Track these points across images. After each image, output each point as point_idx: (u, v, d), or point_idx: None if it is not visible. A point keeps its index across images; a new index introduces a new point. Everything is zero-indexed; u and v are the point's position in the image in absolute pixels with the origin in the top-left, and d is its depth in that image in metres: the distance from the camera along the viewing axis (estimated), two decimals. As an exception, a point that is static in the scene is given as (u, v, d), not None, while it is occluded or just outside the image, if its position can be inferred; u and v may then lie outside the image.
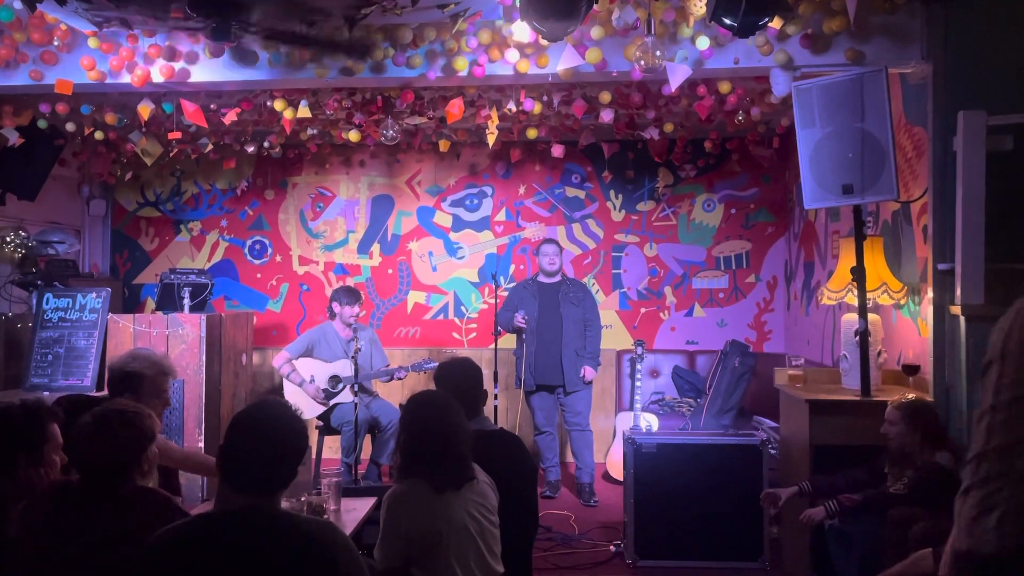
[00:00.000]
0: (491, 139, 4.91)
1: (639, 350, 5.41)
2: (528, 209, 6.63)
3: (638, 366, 5.42)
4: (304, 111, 4.57)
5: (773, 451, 4.40)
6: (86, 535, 2.09)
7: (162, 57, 4.03)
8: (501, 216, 6.64)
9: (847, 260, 3.82)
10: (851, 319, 3.77)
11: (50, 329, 5.19)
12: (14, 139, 4.82)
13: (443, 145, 5.77)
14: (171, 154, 5.85)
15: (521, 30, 3.79)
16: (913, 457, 3.17)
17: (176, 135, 4.92)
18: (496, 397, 5.38)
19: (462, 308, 6.64)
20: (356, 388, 4.96)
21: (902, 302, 3.91)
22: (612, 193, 6.56)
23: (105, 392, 3.29)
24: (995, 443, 1.49)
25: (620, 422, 5.70)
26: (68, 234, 6.09)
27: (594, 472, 5.42)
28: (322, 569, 1.81)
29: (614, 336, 6.39)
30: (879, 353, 3.83)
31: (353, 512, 3.12)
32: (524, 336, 5.36)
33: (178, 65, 4.05)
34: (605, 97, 4.54)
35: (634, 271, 6.55)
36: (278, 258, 6.76)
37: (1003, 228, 3.38)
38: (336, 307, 5.42)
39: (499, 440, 2.99)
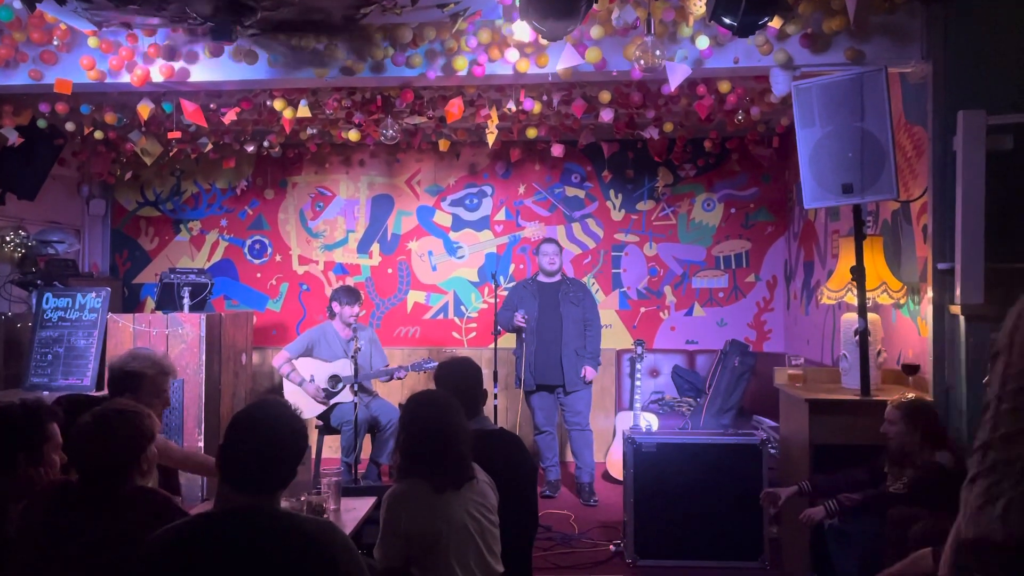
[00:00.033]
0: (491, 139, 4.91)
1: (639, 350, 5.41)
2: (528, 208, 6.63)
3: (638, 365, 5.43)
4: (304, 110, 4.56)
5: (773, 451, 4.40)
6: (86, 535, 2.09)
7: (162, 57, 4.03)
8: (501, 216, 6.64)
9: (847, 259, 3.82)
10: (851, 318, 3.77)
11: (50, 329, 5.19)
12: (14, 139, 4.82)
13: (443, 145, 5.77)
14: (171, 154, 5.85)
15: (521, 29, 3.79)
16: (913, 457, 3.17)
17: (176, 134, 4.92)
18: (496, 397, 5.38)
19: (462, 308, 6.64)
20: (356, 388, 4.96)
21: (902, 302, 3.91)
22: (612, 192, 6.56)
23: (105, 392, 3.29)
24: (1001, 432, 1.50)
25: (620, 421, 5.71)
26: (68, 234, 6.08)
27: (594, 472, 5.42)
28: (322, 569, 1.81)
29: (614, 336, 6.39)
30: (879, 353, 3.83)
31: (353, 512, 3.12)
32: (524, 336, 5.36)
33: (178, 64, 4.05)
34: (605, 97, 4.54)
35: (634, 270, 6.55)
36: (278, 258, 6.76)
37: (1003, 228, 3.38)
38: (336, 307, 5.42)
39: (499, 440, 2.99)
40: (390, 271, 6.69)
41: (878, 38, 3.75)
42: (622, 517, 4.29)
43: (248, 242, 6.78)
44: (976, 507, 1.55)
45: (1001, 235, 3.37)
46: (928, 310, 3.63)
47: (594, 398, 5.59)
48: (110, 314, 5.12)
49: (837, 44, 3.77)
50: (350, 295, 5.42)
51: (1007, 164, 3.39)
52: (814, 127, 3.64)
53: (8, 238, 5.51)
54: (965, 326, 3.42)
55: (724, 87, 4.29)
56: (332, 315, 5.47)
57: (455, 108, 4.42)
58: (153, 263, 6.79)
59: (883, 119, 3.45)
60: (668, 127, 5.25)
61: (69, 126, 5.04)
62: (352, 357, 4.94)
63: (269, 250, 6.77)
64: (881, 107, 3.45)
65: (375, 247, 6.71)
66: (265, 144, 5.88)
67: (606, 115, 4.77)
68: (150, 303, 6.65)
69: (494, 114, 4.77)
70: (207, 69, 4.08)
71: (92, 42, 4.03)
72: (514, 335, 5.56)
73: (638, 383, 5.40)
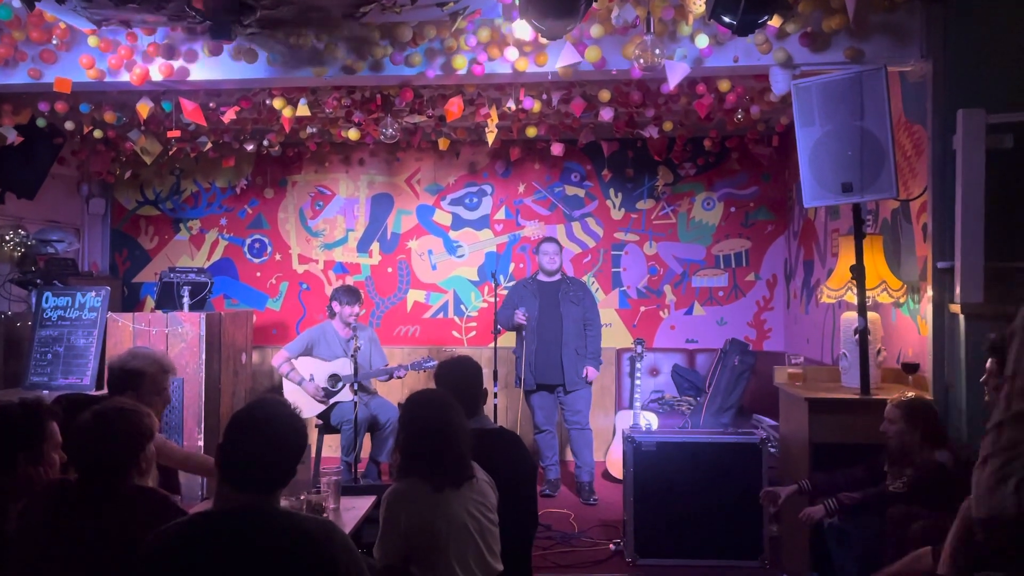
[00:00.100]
0: (490, 137, 4.91)
1: (639, 349, 5.41)
2: (528, 208, 6.63)
3: (638, 365, 5.43)
4: (303, 109, 4.56)
5: (772, 449, 4.40)
6: (85, 533, 2.09)
7: (161, 55, 4.03)
8: (501, 215, 6.64)
9: (847, 258, 3.82)
10: (851, 317, 3.77)
11: (49, 328, 5.19)
12: (13, 137, 4.82)
13: (442, 143, 5.77)
14: (170, 152, 5.85)
15: (522, 28, 3.78)
16: (912, 455, 3.17)
17: (175, 133, 4.91)
18: (496, 396, 5.38)
19: (462, 307, 6.64)
20: (355, 387, 4.96)
21: (901, 300, 3.91)
22: (612, 191, 6.56)
23: (104, 391, 3.29)
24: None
25: (620, 420, 5.71)
26: (67, 233, 6.08)
27: (594, 471, 5.42)
28: (321, 568, 1.81)
29: (614, 335, 6.38)
30: (878, 351, 3.83)
31: (352, 511, 3.12)
32: (524, 334, 5.36)
33: (177, 63, 4.05)
34: (604, 95, 4.53)
35: (634, 270, 6.54)
36: (277, 257, 6.76)
37: (1002, 226, 3.38)
38: (336, 306, 5.41)
39: (498, 438, 2.99)
40: (390, 270, 6.69)
41: (878, 37, 3.75)
42: (622, 516, 4.29)
43: (248, 241, 6.78)
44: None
45: (1001, 234, 3.37)
46: (928, 309, 3.63)
47: (594, 397, 5.59)
48: (110, 313, 5.12)
49: (837, 43, 3.77)
50: (350, 295, 5.42)
51: (1007, 163, 3.39)
52: (814, 126, 3.64)
53: (8, 237, 5.51)
54: (965, 325, 3.42)
55: (724, 86, 4.29)
56: (332, 314, 5.47)
57: (455, 107, 4.41)
58: (153, 262, 6.79)
59: (883, 118, 3.45)
60: (668, 126, 5.24)
61: (68, 125, 5.04)
62: (352, 356, 4.94)
63: (269, 249, 6.76)
64: (881, 106, 3.45)
65: (375, 246, 6.71)
66: (265, 143, 5.88)
67: (606, 114, 4.77)
68: (150, 302, 6.65)
69: (494, 113, 4.77)
70: (206, 68, 4.08)
71: (91, 41, 4.02)
72: (514, 334, 5.56)
73: (638, 382, 5.40)
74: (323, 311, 6.02)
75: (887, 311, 4.19)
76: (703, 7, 3.63)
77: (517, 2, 3.44)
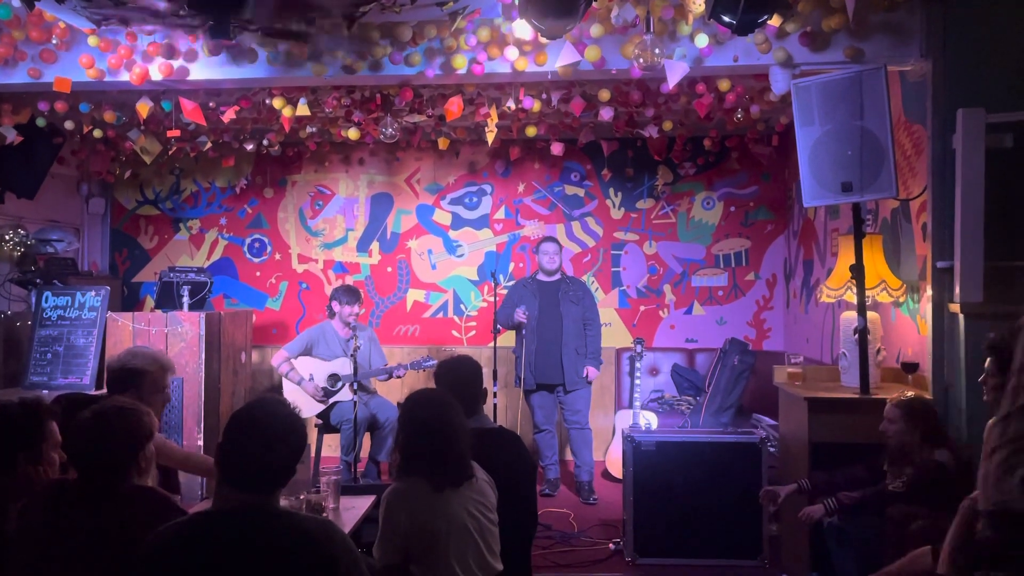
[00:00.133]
0: (490, 137, 4.91)
1: (638, 348, 5.41)
2: (527, 207, 6.63)
3: (637, 364, 5.43)
4: (303, 109, 4.56)
5: (772, 449, 4.40)
6: (84, 533, 2.09)
7: (161, 55, 4.03)
8: (500, 214, 6.64)
9: (846, 258, 3.82)
10: (850, 317, 3.77)
11: (49, 327, 5.19)
12: (12, 137, 4.82)
13: (442, 143, 5.76)
14: (170, 152, 5.85)
15: (521, 27, 3.78)
16: (912, 455, 3.17)
17: (175, 133, 4.91)
18: (495, 395, 5.38)
19: (461, 306, 6.64)
20: (355, 386, 4.95)
21: (901, 300, 3.91)
22: (611, 191, 6.56)
23: (104, 391, 3.29)
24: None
25: (619, 420, 5.71)
26: (67, 232, 6.08)
27: (593, 470, 5.42)
28: (321, 567, 1.81)
29: (613, 334, 6.38)
30: (878, 351, 3.83)
31: (352, 510, 3.12)
32: (524, 333, 5.36)
33: (177, 63, 4.05)
34: (604, 95, 4.53)
35: (633, 269, 6.54)
36: (277, 256, 6.76)
37: (1002, 226, 3.38)
38: (336, 306, 5.41)
39: (498, 438, 2.99)
40: (389, 270, 6.69)
41: (877, 36, 3.74)
42: (621, 515, 4.29)
43: (247, 241, 6.78)
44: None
45: (1000, 233, 3.37)
46: (927, 308, 3.63)
47: (593, 396, 5.59)
48: (109, 313, 5.12)
49: (836, 42, 3.77)
50: (350, 294, 5.42)
51: (1006, 162, 3.40)
52: (813, 125, 3.64)
53: (7, 237, 5.51)
54: (964, 324, 3.42)
55: (723, 85, 4.29)
56: (332, 314, 5.47)
57: (454, 106, 4.41)
58: (152, 262, 6.79)
59: (882, 117, 3.45)
60: (668, 125, 5.24)
61: (68, 125, 5.04)
62: (351, 356, 4.94)
63: (268, 249, 6.76)
64: (880, 105, 3.45)
65: (374, 246, 6.71)
66: (264, 142, 5.88)
67: (605, 113, 4.77)
68: (149, 302, 6.65)
69: (493, 112, 4.77)
70: (206, 67, 4.08)
71: (91, 40, 4.02)
72: (513, 334, 5.56)
73: (637, 381, 5.40)
74: (323, 311, 6.02)
75: (887, 310, 4.19)
76: (703, 6, 3.63)
77: (517, 2, 3.44)
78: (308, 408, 5.21)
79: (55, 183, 6.09)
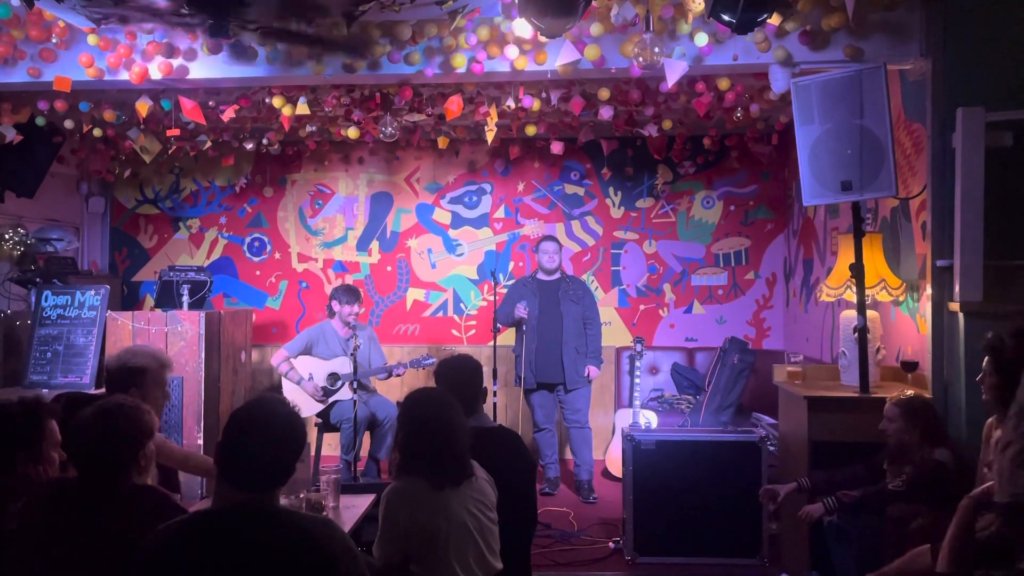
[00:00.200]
0: (490, 136, 4.91)
1: (638, 347, 5.41)
2: (527, 206, 6.63)
3: (637, 363, 5.43)
4: (303, 108, 4.56)
5: (772, 448, 4.40)
6: (85, 532, 2.09)
7: (160, 54, 4.03)
8: (500, 213, 6.64)
9: (846, 257, 3.82)
10: (850, 316, 3.77)
11: (49, 327, 5.18)
12: (12, 136, 4.82)
13: (442, 142, 5.76)
14: (170, 151, 5.85)
15: (521, 26, 3.78)
16: (912, 454, 3.17)
17: (175, 132, 4.91)
18: (495, 394, 5.38)
19: (461, 305, 6.64)
20: (355, 385, 4.95)
21: (901, 299, 3.91)
22: (611, 190, 6.56)
23: (103, 390, 3.29)
24: None
25: (619, 419, 5.71)
26: (67, 231, 6.08)
27: (593, 469, 5.42)
28: (321, 566, 1.81)
29: (613, 333, 6.38)
30: (878, 350, 3.83)
31: (352, 509, 3.12)
32: (524, 331, 5.35)
33: (176, 62, 4.05)
34: (604, 94, 4.53)
35: (633, 268, 6.54)
36: (277, 255, 6.76)
37: (1002, 225, 3.38)
38: (335, 306, 5.41)
39: (498, 437, 2.99)
40: (389, 269, 6.69)
41: (877, 35, 3.74)
42: (621, 514, 4.29)
43: (247, 240, 6.78)
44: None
45: (1000, 232, 3.37)
46: (927, 307, 3.63)
47: (593, 396, 5.60)
48: (109, 312, 5.11)
49: (836, 41, 3.77)
50: (350, 294, 5.42)
51: (1006, 161, 3.40)
52: (813, 124, 3.64)
53: (7, 236, 5.51)
54: (964, 323, 3.42)
55: (723, 84, 4.29)
56: (331, 314, 5.47)
57: (454, 105, 4.41)
58: (152, 261, 6.79)
59: (882, 116, 3.45)
60: (667, 124, 5.24)
61: (68, 124, 5.04)
62: (351, 355, 4.94)
63: (268, 248, 6.76)
64: (880, 104, 3.45)
65: (374, 245, 6.71)
66: (264, 142, 5.88)
67: (605, 112, 4.77)
68: (149, 301, 6.65)
69: (493, 111, 4.77)
70: (206, 66, 4.08)
71: (91, 39, 4.02)
72: (513, 333, 5.56)
73: (637, 380, 5.40)
74: (322, 310, 6.02)
75: (886, 309, 4.19)
76: (702, 5, 3.63)
77: (516, 0, 3.44)
78: (308, 407, 5.21)
79: (55, 182, 6.09)
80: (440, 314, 6.65)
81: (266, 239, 6.77)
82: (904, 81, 3.98)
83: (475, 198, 6.66)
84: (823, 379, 4.13)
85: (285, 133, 5.60)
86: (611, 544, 4.37)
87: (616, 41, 3.87)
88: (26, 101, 4.74)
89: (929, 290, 3.61)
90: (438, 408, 2.52)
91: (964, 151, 3.34)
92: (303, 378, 5.25)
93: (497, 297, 5.61)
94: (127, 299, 6.73)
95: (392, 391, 5.86)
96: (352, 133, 5.34)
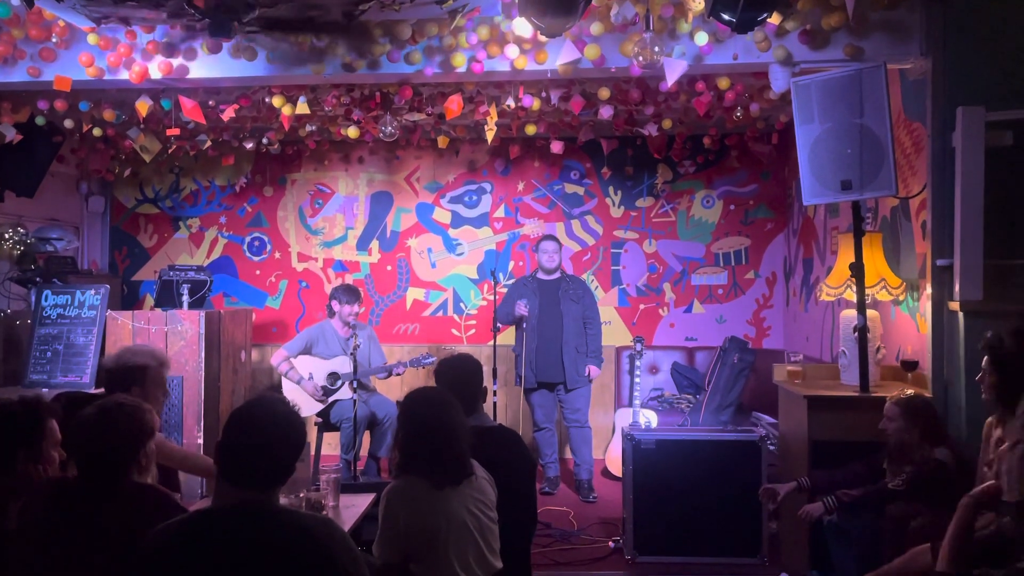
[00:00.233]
0: (490, 135, 4.91)
1: (638, 346, 5.41)
2: (527, 205, 6.63)
3: (637, 362, 5.43)
4: (303, 107, 4.56)
5: (772, 447, 4.40)
6: (85, 531, 2.09)
7: (160, 53, 4.03)
8: (500, 212, 6.64)
9: (846, 256, 3.82)
10: (850, 315, 3.77)
11: (49, 326, 5.19)
12: (12, 136, 4.82)
13: (442, 141, 5.76)
14: (170, 151, 5.85)
15: (521, 25, 3.78)
16: (912, 453, 3.17)
17: (174, 131, 4.91)
18: (495, 394, 5.38)
19: (461, 305, 6.64)
20: (355, 385, 4.95)
21: (901, 298, 3.91)
22: (611, 189, 6.56)
23: (102, 390, 3.29)
24: None
25: (619, 418, 5.71)
26: (67, 231, 6.08)
27: (593, 468, 5.42)
28: (320, 565, 1.81)
29: (613, 333, 6.38)
30: (878, 349, 3.83)
31: (352, 508, 3.12)
32: (525, 329, 5.35)
33: (176, 61, 4.05)
34: (604, 93, 4.53)
35: (633, 267, 6.55)
36: (277, 255, 6.76)
37: (1002, 224, 3.39)
38: (335, 305, 5.41)
39: (498, 436, 2.99)
40: (389, 268, 6.69)
41: (877, 34, 3.74)
42: (621, 513, 4.29)
43: (247, 239, 6.78)
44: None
45: (1000, 231, 3.38)
46: (927, 306, 3.63)
47: (593, 395, 5.60)
48: (109, 311, 5.12)
49: (836, 40, 3.77)
50: (349, 294, 5.42)
51: (1006, 160, 3.40)
52: (813, 123, 3.64)
53: (7, 235, 5.51)
54: (964, 322, 3.42)
55: (723, 83, 4.29)
56: (331, 313, 5.47)
57: (454, 105, 4.41)
58: (152, 260, 6.79)
59: (882, 115, 3.45)
60: (667, 124, 5.24)
61: (68, 123, 5.03)
62: (351, 354, 4.94)
63: (268, 247, 6.76)
64: (880, 103, 3.45)
65: (374, 244, 6.71)
66: (264, 141, 5.88)
67: (605, 112, 4.77)
68: (149, 300, 6.65)
69: (493, 111, 4.77)
70: (206, 66, 4.08)
71: (91, 39, 4.02)
72: (513, 332, 5.56)
73: (637, 380, 5.40)
74: (322, 309, 6.03)
75: (886, 309, 4.19)
76: (702, 4, 3.63)
77: (516, 0, 3.44)
78: (308, 407, 5.21)
79: (55, 181, 6.09)
80: (440, 313, 6.65)
81: (266, 238, 6.77)
82: (904, 80, 3.98)
83: (475, 197, 6.66)
84: (823, 378, 4.13)
85: (285, 132, 5.61)
86: (611, 543, 4.37)
87: (616, 40, 3.87)
88: (26, 100, 4.74)
89: (929, 289, 3.61)
90: (438, 407, 2.52)
91: (964, 150, 3.34)
92: (303, 377, 5.25)
93: (497, 296, 5.61)
94: (127, 298, 6.73)
95: (392, 390, 5.86)
96: (352, 132, 5.34)
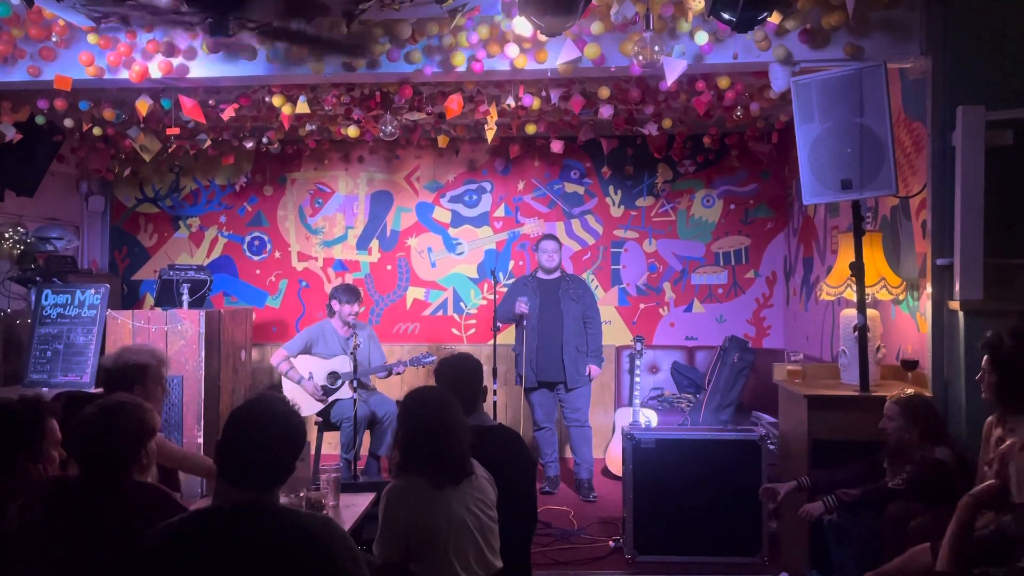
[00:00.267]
0: (490, 135, 4.91)
1: (638, 346, 5.41)
2: (527, 205, 6.63)
3: (637, 362, 5.43)
4: (303, 107, 4.56)
5: (772, 446, 4.40)
6: (85, 530, 2.09)
7: (160, 53, 4.03)
8: (500, 212, 6.64)
9: (846, 255, 3.82)
10: (850, 314, 3.77)
11: (49, 325, 5.18)
12: (12, 135, 4.81)
13: (442, 141, 5.76)
14: (169, 150, 5.85)
15: (521, 24, 3.78)
16: (912, 452, 3.17)
17: (174, 131, 4.91)
18: (495, 393, 5.38)
19: (461, 304, 6.64)
20: (355, 384, 4.95)
21: (901, 297, 3.91)
22: (611, 189, 6.55)
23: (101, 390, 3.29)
24: None
25: (619, 418, 5.71)
26: (67, 230, 6.07)
27: (593, 468, 5.42)
28: (320, 564, 1.81)
29: (613, 332, 6.39)
30: (878, 348, 3.83)
31: (352, 508, 3.12)
32: (525, 327, 5.35)
33: (176, 61, 4.04)
34: (604, 92, 4.53)
35: (633, 267, 6.54)
36: (277, 254, 6.76)
37: (1002, 223, 3.38)
38: (335, 305, 5.41)
39: (498, 436, 2.99)
40: (389, 267, 6.69)
41: (877, 34, 3.74)
42: (621, 513, 4.29)
43: (247, 238, 6.78)
44: None
45: (1000, 231, 3.38)
46: (927, 306, 3.63)
47: (593, 394, 5.59)
48: (109, 311, 5.11)
49: (836, 40, 3.77)
50: (349, 294, 5.42)
51: (1006, 160, 3.40)
52: (813, 123, 3.64)
53: (7, 235, 5.50)
54: (964, 321, 3.42)
55: (723, 83, 4.29)
56: (331, 313, 5.47)
57: (454, 104, 4.41)
58: (152, 260, 6.80)
59: (882, 115, 3.45)
60: (667, 123, 5.24)
61: (68, 122, 5.03)
62: (351, 354, 4.93)
63: (268, 246, 6.76)
64: (880, 103, 3.45)
65: (374, 243, 6.71)
66: (264, 140, 5.88)
67: (605, 111, 4.77)
68: (149, 300, 6.65)
69: (493, 110, 4.76)
70: (205, 65, 4.08)
71: (91, 38, 4.02)
72: (513, 332, 5.56)
73: (637, 379, 5.40)
74: (322, 308, 6.02)
75: (886, 308, 4.19)
76: (702, 4, 3.62)
77: (516, -1, 3.44)
78: (308, 407, 5.21)
79: (55, 181, 6.09)
80: (440, 313, 6.65)
81: (266, 238, 6.77)
82: (904, 79, 3.98)
83: (475, 197, 6.66)
84: (823, 378, 4.13)
85: (285, 132, 5.60)
86: (611, 543, 4.37)
87: (616, 39, 3.87)
88: (26, 100, 4.74)
89: (929, 289, 3.61)
90: (438, 407, 2.52)
91: (964, 150, 3.34)
92: (303, 377, 5.25)
93: (497, 296, 5.61)
94: (127, 298, 6.73)
95: (392, 389, 5.86)
96: (352, 132, 5.34)
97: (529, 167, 6.59)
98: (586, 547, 4.38)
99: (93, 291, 5.25)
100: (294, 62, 4.03)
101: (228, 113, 4.75)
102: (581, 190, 6.59)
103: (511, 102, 4.61)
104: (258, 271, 6.76)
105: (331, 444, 5.73)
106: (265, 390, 6.10)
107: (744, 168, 6.46)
